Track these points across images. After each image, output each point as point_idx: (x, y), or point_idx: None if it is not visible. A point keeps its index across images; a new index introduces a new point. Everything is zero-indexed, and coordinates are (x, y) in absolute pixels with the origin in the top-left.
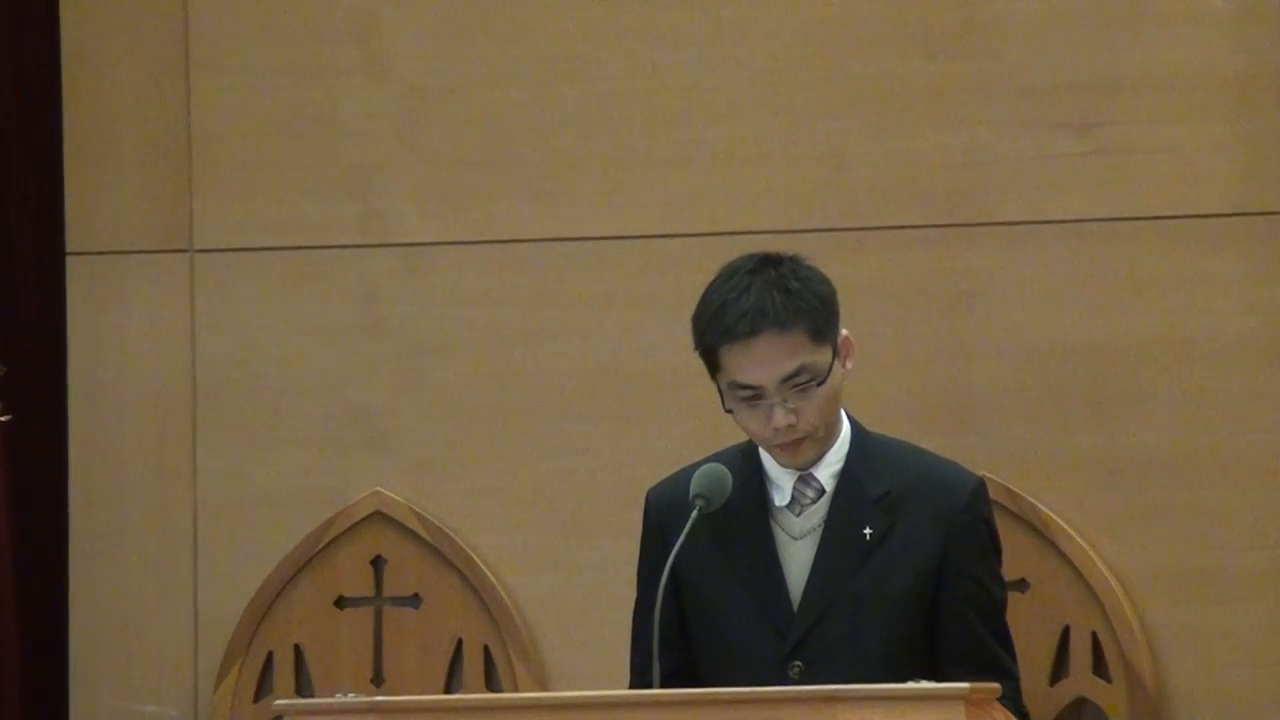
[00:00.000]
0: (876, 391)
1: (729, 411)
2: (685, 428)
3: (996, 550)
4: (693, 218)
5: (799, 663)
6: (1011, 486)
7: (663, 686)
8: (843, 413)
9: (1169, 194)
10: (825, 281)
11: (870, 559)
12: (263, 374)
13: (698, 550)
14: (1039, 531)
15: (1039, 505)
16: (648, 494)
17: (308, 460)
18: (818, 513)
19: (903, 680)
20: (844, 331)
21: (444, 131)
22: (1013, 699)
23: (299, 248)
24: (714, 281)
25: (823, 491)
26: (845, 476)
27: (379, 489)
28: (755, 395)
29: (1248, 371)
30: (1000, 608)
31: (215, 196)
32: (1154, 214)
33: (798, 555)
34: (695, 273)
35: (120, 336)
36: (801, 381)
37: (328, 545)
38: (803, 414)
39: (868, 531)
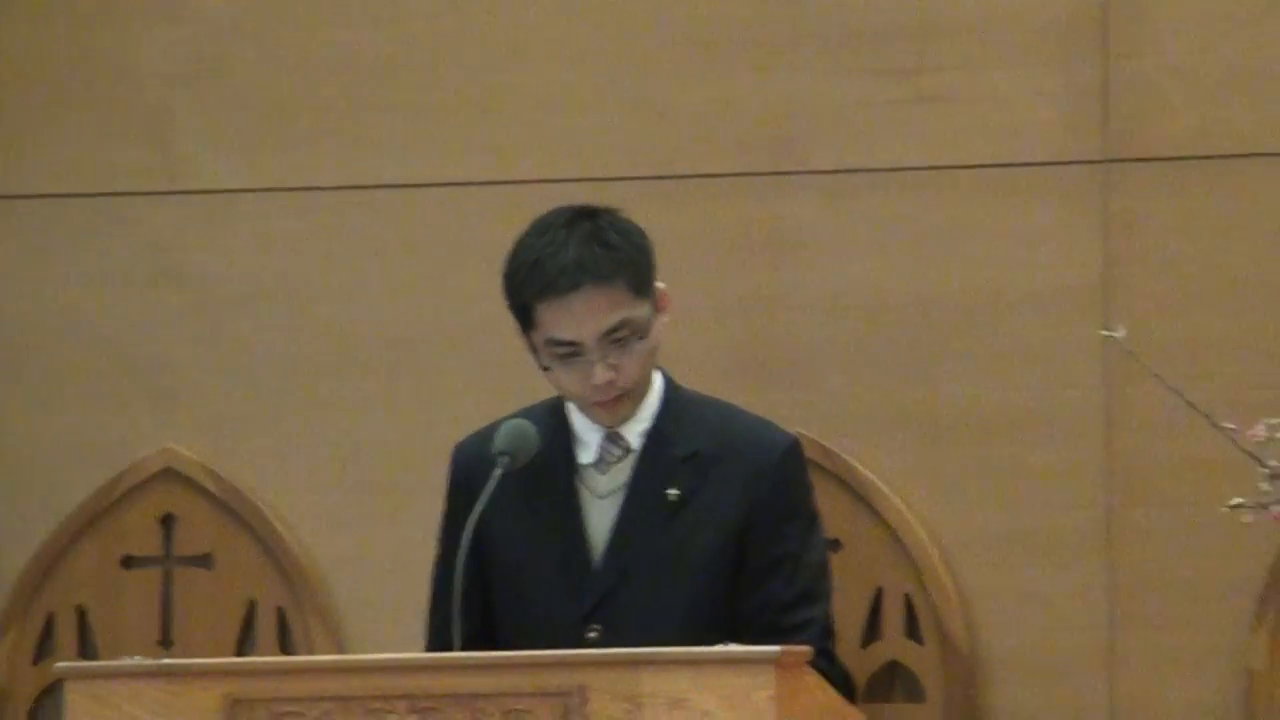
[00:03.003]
0: (690, 345)
1: (545, 369)
2: (493, 383)
3: (811, 512)
4: (502, 165)
5: (597, 626)
6: (827, 444)
7: (463, 649)
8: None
9: (989, 142)
10: (643, 234)
11: (674, 520)
12: (51, 326)
13: (501, 509)
14: (854, 490)
15: (854, 464)
16: (454, 449)
17: (95, 415)
18: (624, 471)
19: (705, 645)
20: (660, 284)
21: (245, 75)
22: (824, 670)
23: (92, 194)
24: (525, 235)
25: (630, 450)
26: (653, 435)
27: (170, 445)
28: (574, 352)
29: (1068, 325)
30: (814, 571)
31: (3, 140)
32: (974, 163)
33: (602, 515)
34: (505, 223)
35: None
36: (622, 336)
37: (115, 503)
38: (623, 369)
39: (672, 492)
